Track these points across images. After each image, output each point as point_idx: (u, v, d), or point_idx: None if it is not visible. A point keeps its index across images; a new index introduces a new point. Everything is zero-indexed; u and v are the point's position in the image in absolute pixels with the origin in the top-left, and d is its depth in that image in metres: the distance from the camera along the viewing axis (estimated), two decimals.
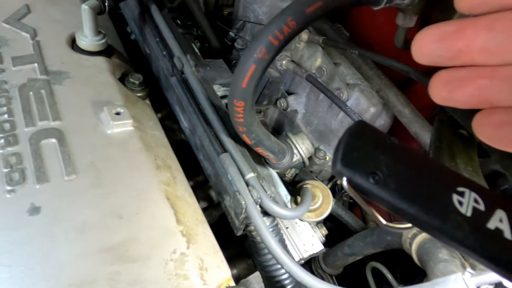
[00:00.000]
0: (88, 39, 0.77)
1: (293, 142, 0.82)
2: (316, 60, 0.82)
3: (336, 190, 0.96)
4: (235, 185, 0.59)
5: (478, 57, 0.25)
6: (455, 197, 0.26)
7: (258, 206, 0.58)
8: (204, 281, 0.52)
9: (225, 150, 0.64)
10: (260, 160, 0.74)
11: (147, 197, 0.59)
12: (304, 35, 0.81)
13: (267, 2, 0.93)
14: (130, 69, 0.83)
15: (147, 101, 0.80)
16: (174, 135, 0.88)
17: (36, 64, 0.72)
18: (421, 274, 0.60)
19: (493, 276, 0.38)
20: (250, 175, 0.59)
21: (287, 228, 0.72)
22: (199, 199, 0.84)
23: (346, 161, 0.28)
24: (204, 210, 0.80)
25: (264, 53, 0.44)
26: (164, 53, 0.79)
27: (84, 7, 0.72)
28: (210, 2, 1.11)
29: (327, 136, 0.86)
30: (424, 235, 0.56)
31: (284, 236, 0.69)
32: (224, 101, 0.73)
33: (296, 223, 0.73)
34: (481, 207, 0.26)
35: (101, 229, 0.53)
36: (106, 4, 0.75)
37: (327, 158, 0.86)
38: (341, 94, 0.77)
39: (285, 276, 0.61)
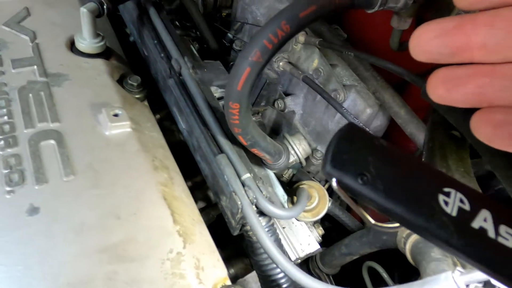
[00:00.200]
0: (86, 42, 0.78)
1: (290, 143, 0.82)
2: (313, 62, 0.83)
3: (333, 191, 0.96)
4: (231, 186, 0.59)
5: (478, 54, 0.24)
6: (441, 197, 0.26)
7: (254, 206, 0.59)
8: (200, 280, 0.53)
9: (221, 151, 0.65)
10: (257, 161, 0.74)
11: (145, 197, 0.60)
12: (301, 37, 0.82)
13: (265, 3, 0.94)
14: (128, 71, 0.83)
15: (146, 103, 0.81)
16: (173, 136, 0.89)
17: (35, 67, 0.73)
18: (418, 274, 0.60)
19: (482, 275, 0.39)
20: (246, 176, 0.60)
21: (284, 228, 0.73)
22: (197, 199, 0.85)
23: (335, 162, 0.28)
24: (202, 210, 0.81)
25: (259, 56, 0.45)
26: (162, 55, 0.80)
27: (83, 10, 0.73)
28: (208, 3, 1.11)
29: (324, 137, 0.87)
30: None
31: (281, 236, 0.69)
32: (222, 102, 0.74)
33: (293, 223, 0.74)
34: (466, 207, 0.26)
35: (99, 229, 0.54)
36: (105, 7, 0.75)
37: None
38: (338, 96, 0.78)
39: (281, 275, 0.61)
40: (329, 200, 0.78)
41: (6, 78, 0.70)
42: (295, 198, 0.73)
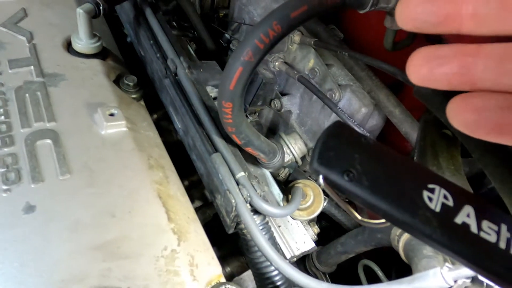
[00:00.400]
0: (83, 42, 0.79)
1: (285, 142, 0.83)
2: (309, 62, 0.83)
3: None
4: (226, 184, 0.60)
5: (467, 24, 0.23)
6: (425, 194, 0.27)
7: (248, 205, 0.59)
8: (194, 277, 0.54)
9: (216, 150, 0.65)
10: (253, 160, 0.75)
11: (140, 196, 0.60)
12: (297, 37, 0.82)
13: (262, 4, 0.95)
14: (125, 71, 0.84)
15: (142, 102, 0.81)
16: (170, 136, 0.89)
17: (32, 67, 0.74)
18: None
19: (470, 270, 0.39)
20: (240, 174, 0.61)
21: (279, 226, 0.73)
22: (194, 198, 0.85)
23: (322, 159, 0.29)
24: (199, 209, 0.82)
25: (251, 56, 0.45)
26: (158, 55, 0.80)
27: (79, 11, 0.74)
28: (205, 4, 1.12)
29: None
30: None
31: (276, 234, 0.70)
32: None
33: (288, 221, 0.74)
34: (450, 203, 0.27)
35: (94, 227, 0.54)
36: (101, 7, 0.76)
37: None
38: (333, 95, 0.78)
39: (275, 273, 0.62)
40: (325, 199, 0.79)
41: (3, 78, 0.71)
42: (290, 196, 0.74)
